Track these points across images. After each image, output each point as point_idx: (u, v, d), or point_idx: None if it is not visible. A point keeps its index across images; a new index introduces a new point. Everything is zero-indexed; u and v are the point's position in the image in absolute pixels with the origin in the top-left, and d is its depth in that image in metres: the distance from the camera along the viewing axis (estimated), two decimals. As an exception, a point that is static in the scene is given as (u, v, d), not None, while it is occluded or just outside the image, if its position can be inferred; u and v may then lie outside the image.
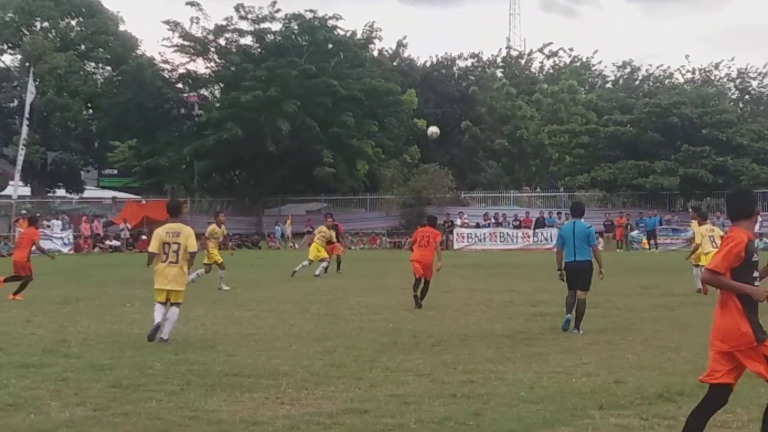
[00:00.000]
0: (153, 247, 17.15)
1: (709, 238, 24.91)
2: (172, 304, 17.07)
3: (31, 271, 26.66)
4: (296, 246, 66.47)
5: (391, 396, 11.81)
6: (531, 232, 63.12)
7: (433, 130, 57.86)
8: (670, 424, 10.25)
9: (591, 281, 19.09)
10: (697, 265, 26.58)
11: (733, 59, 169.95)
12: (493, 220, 66.56)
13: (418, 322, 20.02)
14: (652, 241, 61.29)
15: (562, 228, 20.33)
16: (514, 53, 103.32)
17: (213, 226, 31.99)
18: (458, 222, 66.50)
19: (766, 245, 57.54)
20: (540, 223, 63.97)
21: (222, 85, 78.80)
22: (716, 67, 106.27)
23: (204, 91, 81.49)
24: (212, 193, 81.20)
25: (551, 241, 61.05)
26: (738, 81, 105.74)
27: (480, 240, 63.35)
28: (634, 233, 62.88)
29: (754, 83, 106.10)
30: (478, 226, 65.90)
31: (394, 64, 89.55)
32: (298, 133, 71.79)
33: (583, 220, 19.60)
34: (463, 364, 14.29)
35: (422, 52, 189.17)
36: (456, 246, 62.84)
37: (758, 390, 11.98)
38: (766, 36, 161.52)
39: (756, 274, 8.78)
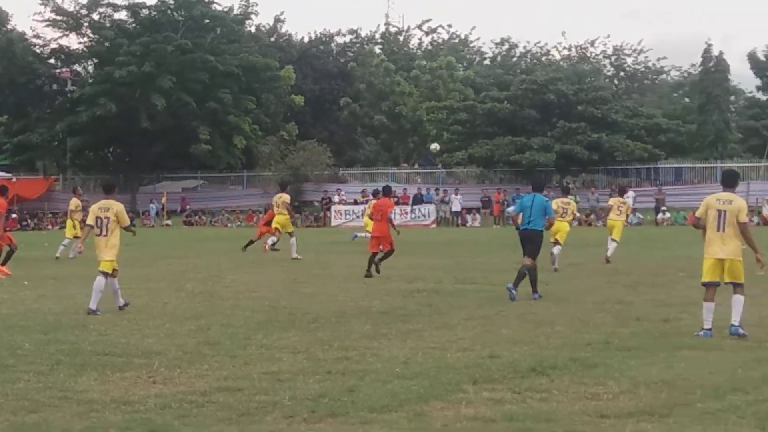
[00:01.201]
0: (89, 220, 18.80)
1: (562, 210, 26.54)
2: (99, 272, 18.22)
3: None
4: (171, 223, 65.98)
5: (266, 373, 11.79)
6: (409, 208, 63.42)
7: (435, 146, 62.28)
8: (542, 397, 10.39)
9: (539, 250, 20.62)
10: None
11: (608, 36, 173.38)
12: (371, 197, 66.61)
13: (295, 299, 19.99)
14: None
15: (523, 198, 21.75)
16: (392, 29, 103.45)
17: (75, 200, 32.68)
18: (336, 199, 66.57)
19: (639, 221, 58.60)
20: (418, 200, 64.30)
21: (95, 60, 77.55)
22: (592, 44, 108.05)
23: (77, 67, 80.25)
24: (85, 170, 79.98)
25: (429, 217, 61.63)
26: (613, 58, 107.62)
27: (358, 217, 63.22)
28: (511, 209, 63.43)
29: (629, 60, 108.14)
30: (356, 202, 65.97)
31: (272, 40, 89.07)
32: (174, 109, 71.20)
33: (543, 194, 21.36)
34: (339, 340, 14.32)
35: (300, 28, 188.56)
36: (333, 223, 62.96)
37: (628, 362, 12.27)
38: (641, 13, 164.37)
39: None
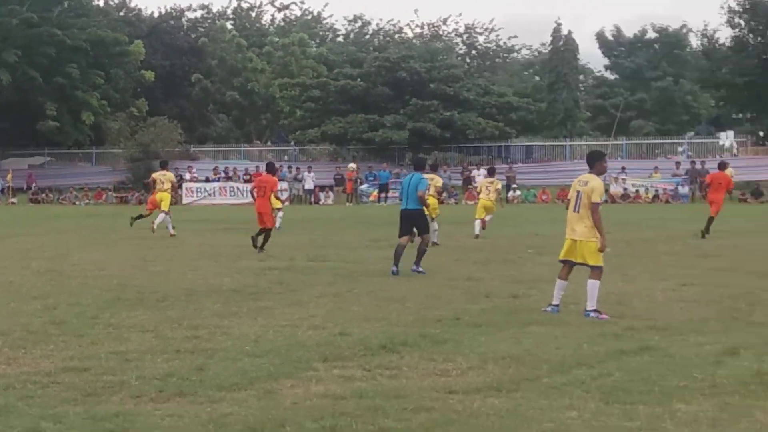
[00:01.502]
0: None
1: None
2: None
3: None
4: (16, 201, 64.61)
5: (113, 353, 11.62)
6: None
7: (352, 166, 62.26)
8: (392, 374, 10.45)
9: (426, 227, 21.00)
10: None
11: (460, 15, 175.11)
12: (223, 174, 66.34)
13: (144, 278, 19.75)
14: (383, 195, 62.26)
15: (404, 179, 22.34)
16: (244, 5, 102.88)
17: None
18: (187, 176, 65.97)
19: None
20: (270, 178, 63.96)
21: (-64, 34, 75.61)
22: (444, 22, 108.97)
23: None
24: (-75, 147, 78.01)
25: (282, 195, 61.34)
26: (465, 36, 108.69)
27: (210, 194, 63.04)
28: (364, 186, 63.84)
29: (481, 39, 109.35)
30: (207, 180, 65.58)
31: (121, 14, 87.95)
32: (19, 84, 69.73)
33: (423, 174, 21.32)
34: (189, 319, 14.19)
35: (150, 3, 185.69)
36: (185, 200, 62.26)
37: (478, 339, 12.42)
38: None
39: None
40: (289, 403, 9.31)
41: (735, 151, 70.95)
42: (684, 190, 59.37)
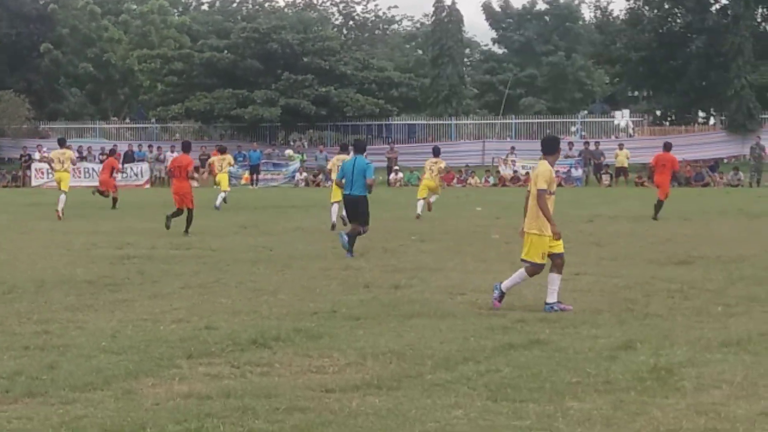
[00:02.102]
0: None
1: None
2: None
3: None
4: None
5: (-46, 351, 11.44)
6: (120, 167, 62.45)
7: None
8: (263, 371, 10.42)
9: (368, 214, 21.89)
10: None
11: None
12: (76, 154, 65.41)
13: (-12, 268, 19.45)
14: (254, 176, 61.92)
15: (345, 162, 23.36)
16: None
17: None
18: (37, 156, 64.86)
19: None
20: (129, 158, 63.32)
21: None
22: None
23: None
24: None
25: (141, 177, 60.83)
26: (342, 6, 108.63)
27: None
28: (232, 168, 63.41)
29: (359, 8, 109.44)
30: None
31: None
32: None
33: (365, 156, 22.69)
34: (38, 313, 14.01)
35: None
36: (34, 183, 61.33)
37: (356, 332, 12.46)
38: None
39: None
40: (150, 403, 9.23)
41: (631, 131, 71.92)
42: (577, 172, 60.12)
